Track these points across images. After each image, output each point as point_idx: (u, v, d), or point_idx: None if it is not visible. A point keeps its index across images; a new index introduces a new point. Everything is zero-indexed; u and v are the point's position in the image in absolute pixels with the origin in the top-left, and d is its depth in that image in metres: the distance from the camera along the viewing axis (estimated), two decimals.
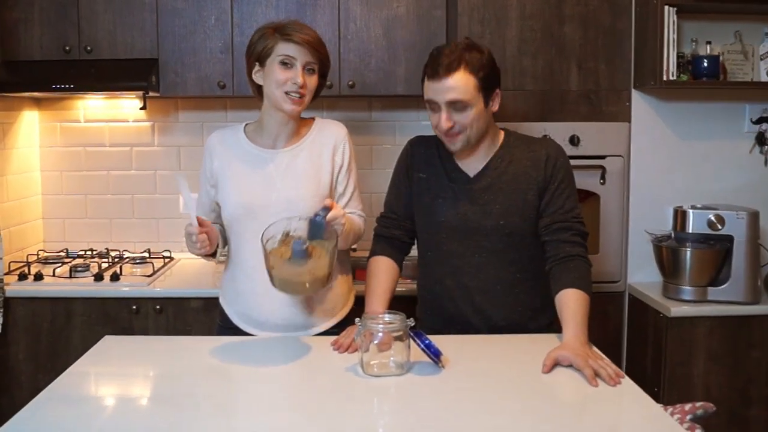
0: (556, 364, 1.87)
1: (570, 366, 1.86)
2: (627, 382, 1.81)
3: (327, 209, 1.99)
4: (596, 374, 1.80)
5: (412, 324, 1.84)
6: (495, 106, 2.16)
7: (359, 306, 2.31)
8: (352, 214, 2.26)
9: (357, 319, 1.88)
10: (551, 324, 2.24)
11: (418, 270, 2.36)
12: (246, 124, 2.31)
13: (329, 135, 2.27)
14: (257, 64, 2.18)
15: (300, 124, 2.28)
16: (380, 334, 1.82)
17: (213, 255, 2.22)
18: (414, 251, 2.37)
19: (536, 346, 2.01)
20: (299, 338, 2.17)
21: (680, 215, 2.92)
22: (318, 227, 1.97)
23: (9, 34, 3.08)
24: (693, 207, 2.93)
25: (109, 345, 2.11)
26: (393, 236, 2.32)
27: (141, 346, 2.16)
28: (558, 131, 2.99)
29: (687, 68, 2.99)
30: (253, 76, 2.21)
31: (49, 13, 3.08)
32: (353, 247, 2.47)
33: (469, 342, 2.10)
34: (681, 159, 3.12)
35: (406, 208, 2.30)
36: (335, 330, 2.23)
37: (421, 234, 2.30)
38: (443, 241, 2.22)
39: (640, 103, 3.07)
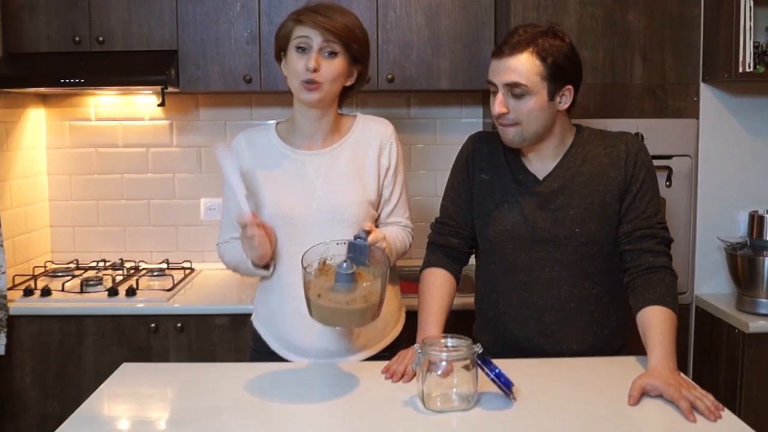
0: (643, 394, 1.66)
1: (659, 396, 1.64)
2: (728, 415, 1.60)
3: (367, 232, 1.78)
4: (693, 407, 1.59)
5: (480, 350, 1.62)
6: (563, 105, 1.91)
7: (410, 325, 2.10)
8: (397, 224, 2.05)
9: (416, 346, 1.66)
10: (625, 345, 2.04)
11: (477, 283, 2.13)
12: (277, 123, 2.09)
13: (374, 134, 2.05)
14: (282, 54, 1.97)
15: (339, 121, 2.05)
16: (444, 363, 1.60)
17: (266, 267, 1.99)
18: (471, 260, 2.14)
19: (616, 371, 1.83)
20: (346, 366, 1.93)
21: (757, 221, 2.72)
22: (360, 251, 1.73)
23: (12, 23, 2.90)
24: None
25: (128, 373, 1.89)
26: (450, 245, 2.08)
27: (165, 374, 1.93)
28: (620, 128, 2.70)
29: (762, 59, 2.75)
30: (282, 68, 2.00)
31: (57, 1, 2.88)
32: None
33: (539, 368, 1.88)
34: (754, 159, 2.90)
35: (466, 213, 2.07)
36: (386, 354, 2.00)
37: (483, 243, 2.06)
38: (509, 253, 1.99)
39: (709, 97, 2.85)
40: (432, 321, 1.96)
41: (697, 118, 2.85)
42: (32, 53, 2.90)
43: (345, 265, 1.68)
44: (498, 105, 1.88)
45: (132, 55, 2.91)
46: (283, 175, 2.00)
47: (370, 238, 1.77)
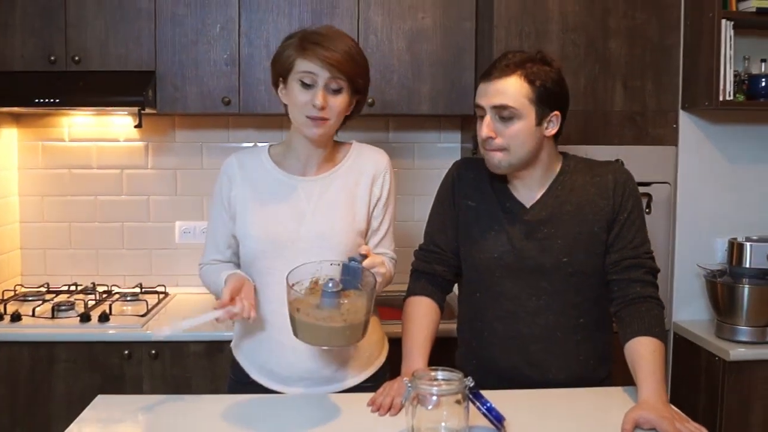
0: (636, 427, 1.62)
1: (652, 430, 1.61)
2: None
3: (363, 256, 1.75)
4: None
5: (471, 384, 1.57)
6: (551, 130, 1.90)
7: (393, 352, 2.07)
8: (383, 254, 2.01)
9: (405, 380, 1.61)
10: (610, 374, 2.02)
11: (461, 312, 2.10)
12: (270, 146, 2.04)
13: (369, 163, 2.01)
14: (281, 80, 1.92)
15: (334, 149, 2.02)
16: (434, 398, 1.56)
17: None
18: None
19: (606, 402, 1.81)
20: (330, 397, 1.89)
21: (736, 248, 2.73)
22: (353, 273, 1.71)
23: None
24: (748, 239, 2.74)
25: (104, 406, 1.81)
26: (435, 272, 2.04)
27: (142, 407, 1.84)
28: (601, 155, 2.68)
29: (742, 88, 2.79)
30: (279, 94, 1.95)
31: (32, 19, 2.83)
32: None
33: (527, 399, 1.85)
34: (733, 186, 2.93)
35: (451, 240, 2.04)
36: (370, 384, 1.96)
37: (469, 272, 2.03)
38: (495, 281, 1.96)
39: (688, 125, 2.88)
40: (417, 351, 1.92)
41: (677, 145, 2.87)
42: (6, 72, 2.83)
43: (331, 284, 1.65)
44: (485, 128, 1.86)
45: (109, 75, 2.85)
46: (273, 200, 1.96)
47: (367, 262, 1.75)
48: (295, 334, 1.69)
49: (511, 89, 1.84)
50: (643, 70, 2.81)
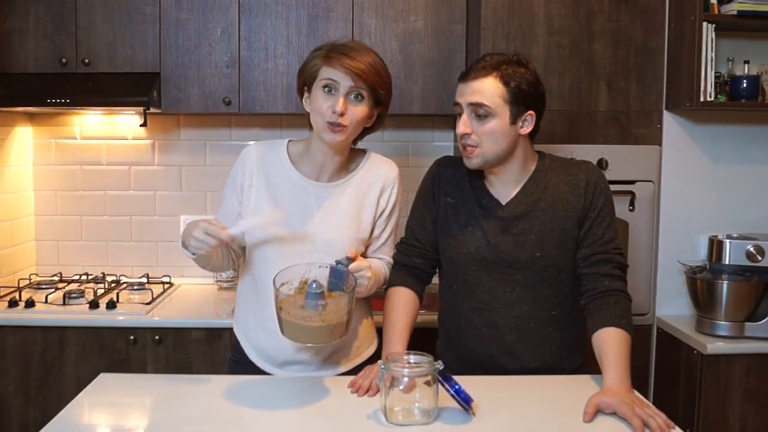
0: (598, 411, 1.71)
1: (613, 414, 1.69)
2: None
3: (350, 259, 1.84)
4: (645, 424, 1.64)
5: (441, 367, 1.67)
6: (525, 129, 1.98)
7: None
8: (381, 259, 2.10)
9: (379, 362, 1.72)
10: (583, 365, 2.10)
11: (441, 303, 2.19)
12: (289, 142, 2.10)
13: (379, 174, 2.08)
14: (305, 89, 2.00)
15: (349, 157, 2.08)
16: (405, 379, 1.66)
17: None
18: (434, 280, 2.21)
19: (572, 389, 1.88)
20: (317, 379, 1.99)
21: (716, 245, 2.78)
22: (339, 276, 1.81)
23: (2, 44, 2.97)
24: (729, 237, 2.78)
25: (106, 383, 1.94)
26: (414, 265, 2.14)
27: (141, 384, 1.99)
28: (585, 154, 2.77)
29: (724, 89, 2.83)
30: (304, 103, 2.01)
31: (45, 24, 2.96)
32: None
33: (499, 385, 1.94)
34: (714, 185, 2.98)
35: (431, 235, 2.13)
36: (356, 371, 2.04)
37: (447, 265, 2.13)
38: (471, 274, 2.05)
39: (671, 125, 2.92)
40: (396, 338, 2.01)
41: (660, 144, 2.92)
42: (21, 74, 2.96)
43: (314, 285, 1.76)
44: (462, 125, 1.95)
45: (116, 76, 2.97)
46: (285, 198, 2.03)
47: (353, 266, 1.84)
48: (281, 331, 1.79)
49: (487, 89, 1.93)
50: (627, 72, 2.86)
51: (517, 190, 2.03)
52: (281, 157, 2.06)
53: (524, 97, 1.95)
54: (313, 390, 1.91)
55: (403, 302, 2.09)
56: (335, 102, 1.90)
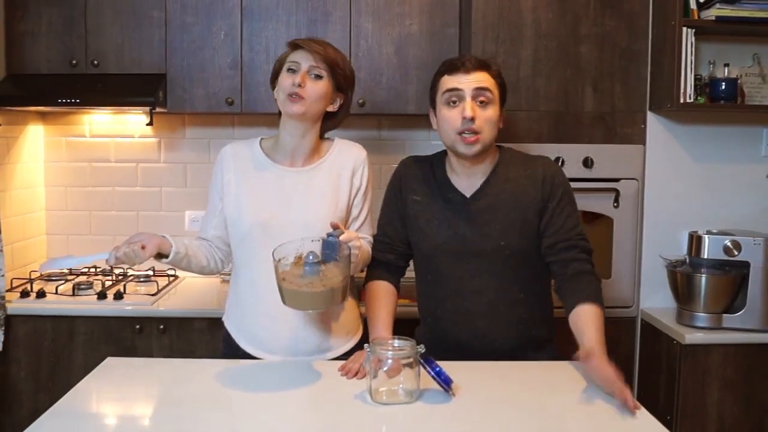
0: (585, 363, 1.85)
1: (585, 390, 1.82)
2: (643, 413, 1.75)
3: (339, 231, 1.95)
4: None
5: (423, 350, 1.79)
6: (501, 122, 2.15)
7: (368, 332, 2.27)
8: (363, 239, 2.21)
9: (366, 345, 1.82)
10: (551, 339, 2.23)
11: (417, 293, 2.32)
12: (261, 139, 2.26)
13: (349, 157, 2.22)
14: (276, 81, 2.16)
15: (319, 144, 2.23)
16: (389, 361, 1.77)
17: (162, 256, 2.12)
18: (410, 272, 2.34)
19: (550, 372, 2.00)
20: (307, 363, 2.10)
21: (695, 240, 2.87)
22: (331, 247, 1.92)
23: (15, 46, 3.07)
24: (709, 232, 2.87)
25: (111, 366, 2.06)
26: (388, 260, 2.27)
27: (143, 368, 2.11)
28: (572, 153, 2.96)
29: (704, 91, 2.94)
30: (275, 94, 2.18)
31: (56, 27, 3.06)
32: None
33: (478, 369, 2.05)
34: (696, 183, 3.07)
35: (399, 232, 2.26)
36: (345, 357, 2.16)
37: (418, 257, 2.26)
38: (442, 265, 2.18)
39: (655, 125, 3.03)
40: (382, 325, 2.13)
41: (644, 144, 3.01)
42: (33, 74, 3.06)
43: (311, 256, 1.88)
44: (469, 109, 2.05)
45: (124, 77, 3.06)
46: (263, 187, 2.16)
47: (343, 237, 1.94)
48: (283, 301, 1.91)
49: (487, 79, 2.09)
50: (612, 74, 2.97)
51: (481, 182, 2.16)
52: (255, 151, 2.22)
53: (504, 94, 2.14)
54: (304, 373, 2.02)
55: (383, 293, 2.22)
56: (295, 77, 2.08)
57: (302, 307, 1.96)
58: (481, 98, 2.07)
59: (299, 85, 2.07)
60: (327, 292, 1.88)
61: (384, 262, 2.26)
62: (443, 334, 2.20)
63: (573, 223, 2.13)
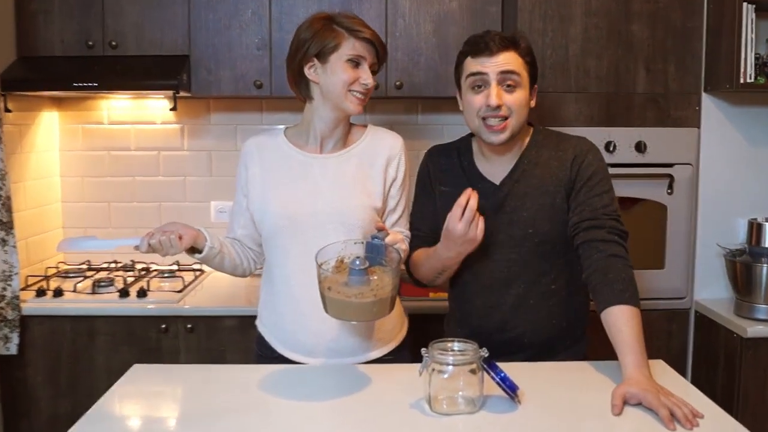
0: (624, 402, 1.66)
1: (639, 404, 1.65)
2: (723, 415, 1.63)
3: (384, 232, 1.82)
4: (671, 414, 1.59)
5: (486, 355, 1.64)
6: (533, 103, 2.02)
7: (413, 328, 2.18)
8: (400, 233, 2.09)
9: (423, 350, 1.66)
10: (583, 334, 2.11)
11: (449, 286, 2.19)
12: (286, 128, 2.13)
13: (384, 145, 2.09)
14: (315, 59, 1.97)
15: (350, 130, 2.10)
16: (450, 368, 1.62)
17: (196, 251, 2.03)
18: None
19: (613, 375, 1.81)
20: (354, 367, 1.96)
21: (755, 228, 2.77)
22: (376, 250, 1.77)
23: (27, 27, 2.91)
24: None
25: (139, 375, 1.91)
26: None
27: (174, 376, 1.94)
28: (623, 137, 2.83)
29: (763, 70, 2.80)
30: (306, 72, 1.99)
31: (70, 5, 2.91)
32: None
33: (539, 371, 1.91)
34: (754, 168, 2.95)
35: (432, 225, 2.12)
36: (390, 357, 2.06)
37: None
38: (471, 257, 2.02)
39: (710, 107, 2.90)
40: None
41: (699, 127, 2.89)
42: (46, 57, 2.91)
43: (357, 261, 1.72)
44: (495, 96, 1.92)
45: (144, 59, 2.92)
46: (289, 177, 2.04)
47: (389, 239, 1.82)
48: (326, 310, 1.76)
49: (515, 60, 1.95)
50: (665, 53, 2.83)
51: (511, 167, 2.03)
52: (279, 141, 2.09)
53: (535, 72, 2.02)
54: (352, 378, 1.88)
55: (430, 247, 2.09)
56: (366, 75, 1.97)
57: (348, 317, 1.79)
58: (509, 82, 1.93)
59: (370, 87, 1.99)
60: (377, 302, 1.72)
61: None
62: (472, 329, 2.06)
63: (603, 201, 1.95)
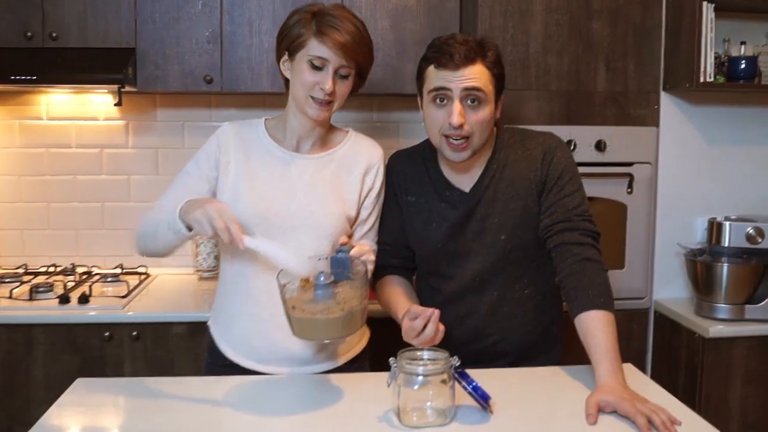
0: (599, 410, 1.61)
1: (614, 412, 1.60)
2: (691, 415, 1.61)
3: (348, 246, 1.75)
4: (649, 421, 1.55)
5: (457, 363, 1.58)
6: (498, 114, 1.93)
7: (374, 337, 2.09)
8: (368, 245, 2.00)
9: (391, 359, 1.59)
10: (557, 338, 2.08)
11: (418, 293, 2.12)
12: (266, 120, 2.03)
13: (364, 153, 2.01)
14: (286, 53, 1.89)
15: (330, 132, 2.01)
16: (420, 378, 1.55)
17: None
18: None
19: (587, 380, 1.77)
20: (319, 377, 1.87)
21: (715, 227, 2.77)
22: (342, 264, 1.69)
23: None
24: (728, 219, 2.77)
25: (83, 390, 1.76)
26: (392, 265, 2.09)
27: (121, 390, 1.80)
28: (584, 136, 2.80)
29: (722, 70, 2.81)
30: (281, 65, 1.92)
31: None
32: None
33: (510, 378, 1.84)
34: (712, 167, 2.96)
35: (399, 237, 2.06)
36: (350, 366, 1.98)
37: (419, 259, 2.09)
38: (441, 266, 2.00)
39: (669, 106, 2.90)
40: (405, 302, 1.92)
41: (658, 126, 2.88)
42: None
43: (322, 276, 1.64)
44: (457, 115, 1.83)
45: (87, 52, 2.78)
46: (265, 172, 1.94)
47: (355, 251, 1.74)
48: (294, 332, 1.67)
49: (481, 75, 1.85)
50: (625, 51, 2.81)
51: (479, 174, 1.97)
52: (259, 133, 1.99)
53: (502, 83, 1.92)
54: (313, 390, 1.79)
55: (396, 282, 2.05)
56: (324, 80, 1.85)
57: (317, 336, 1.70)
58: (473, 98, 1.84)
59: (330, 93, 1.85)
60: (345, 316, 1.62)
61: (388, 266, 2.09)
62: (446, 337, 1.96)
63: (575, 201, 1.90)
